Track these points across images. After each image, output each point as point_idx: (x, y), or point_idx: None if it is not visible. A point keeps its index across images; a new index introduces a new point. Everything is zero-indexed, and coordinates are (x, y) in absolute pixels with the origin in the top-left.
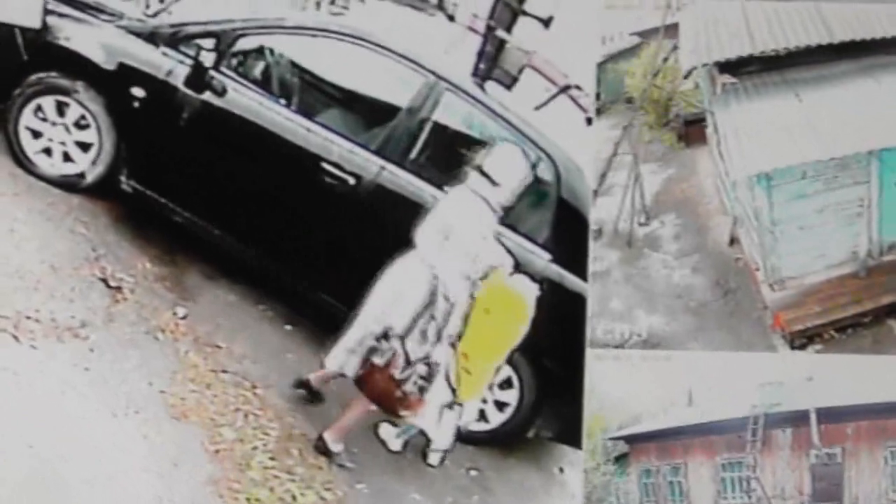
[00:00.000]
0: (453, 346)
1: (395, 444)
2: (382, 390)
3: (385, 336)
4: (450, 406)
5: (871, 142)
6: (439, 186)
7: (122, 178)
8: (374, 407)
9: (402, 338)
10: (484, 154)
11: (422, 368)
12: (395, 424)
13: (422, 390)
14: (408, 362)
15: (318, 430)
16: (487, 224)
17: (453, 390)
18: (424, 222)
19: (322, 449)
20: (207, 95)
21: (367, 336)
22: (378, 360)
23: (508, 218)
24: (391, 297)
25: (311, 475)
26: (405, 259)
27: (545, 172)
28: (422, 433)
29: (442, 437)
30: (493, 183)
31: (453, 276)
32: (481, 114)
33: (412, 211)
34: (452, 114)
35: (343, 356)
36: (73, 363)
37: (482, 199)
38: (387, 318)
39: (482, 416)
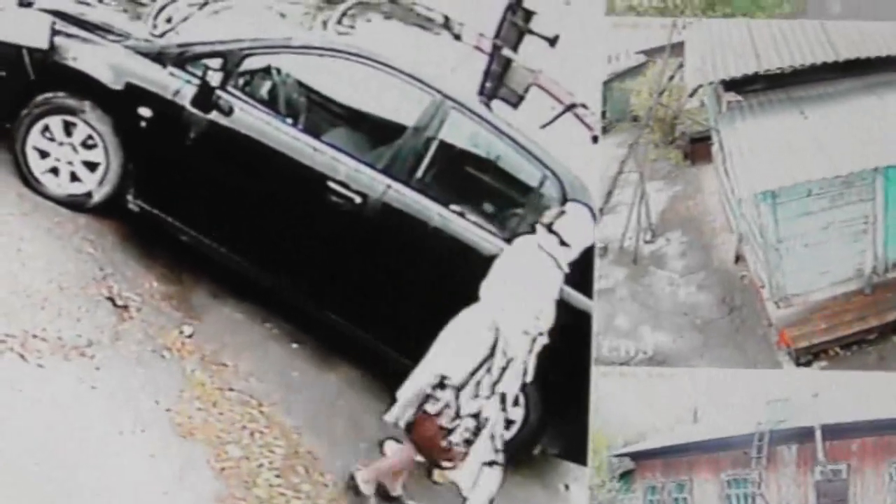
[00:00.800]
0: (504, 402)
1: (397, 489)
2: (429, 438)
3: (441, 385)
4: (490, 464)
5: (877, 159)
6: (445, 205)
7: (129, 198)
8: (418, 457)
9: (458, 389)
10: (555, 213)
11: (470, 422)
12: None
13: (467, 443)
14: (457, 414)
15: (325, 448)
16: (554, 284)
17: (496, 450)
18: (491, 274)
19: (351, 486)
20: (214, 115)
21: (425, 386)
22: (430, 409)
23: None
24: (453, 349)
25: (317, 492)
26: (471, 311)
27: (551, 190)
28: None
29: (477, 497)
30: (563, 243)
31: (515, 332)
32: (487, 133)
33: (418, 230)
34: (458, 133)
35: (400, 410)
36: (80, 381)
37: (551, 257)
38: (446, 368)
39: None
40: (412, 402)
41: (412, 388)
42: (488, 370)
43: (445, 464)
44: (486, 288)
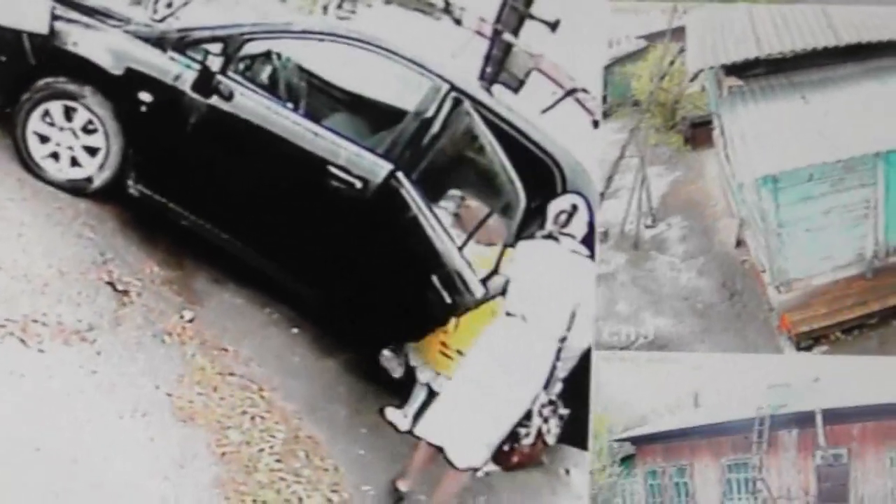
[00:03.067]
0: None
1: (405, 424)
2: (528, 456)
3: (528, 415)
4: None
5: (878, 144)
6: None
7: (130, 183)
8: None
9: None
10: (566, 216)
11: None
12: (399, 406)
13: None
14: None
15: (325, 433)
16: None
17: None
18: (524, 288)
19: (394, 494)
20: (215, 100)
21: (514, 423)
22: (525, 441)
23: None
24: (524, 377)
25: (318, 477)
26: (519, 331)
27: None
28: None
29: None
30: (573, 237)
31: (577, 341)
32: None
33: (419, 214)
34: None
35: (486, 451)
36: (80, 366)
37: (580, 254)
38: (529, 399)
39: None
40: (494, 443)
41: (503, 429)
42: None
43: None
44: (527, 306)
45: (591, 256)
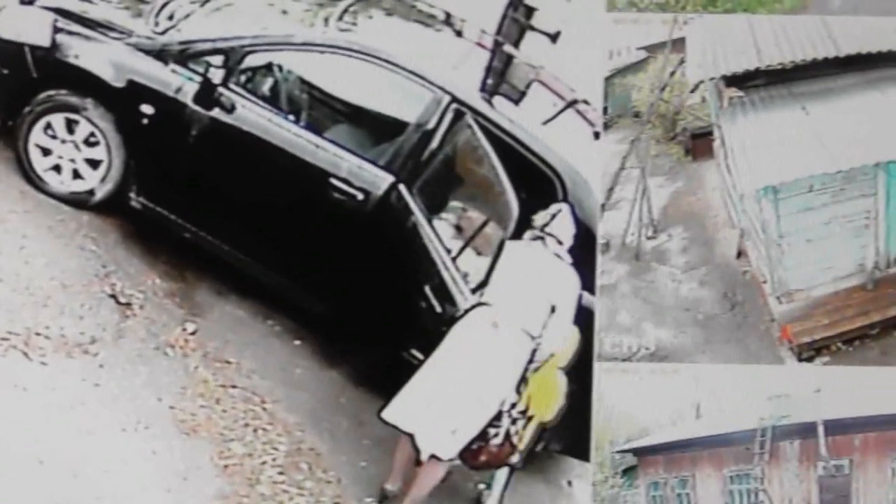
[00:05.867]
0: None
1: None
2: (496, 456)
3: (498, 416)
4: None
5: (878, 154)
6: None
7: (132, 195)
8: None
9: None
10: (549, 216)
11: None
12: None
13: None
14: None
15: (328, 445)
16: (573, 283)
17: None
18: (503, 284)
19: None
20: (216, 112)
21: (487, 420)
22: (495, 441)
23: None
24: (497, 373)
25: (321, 489)
26: (496, 329)
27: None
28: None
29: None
30: (559, 242)
31: (554, 337)
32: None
33: (419, 226)
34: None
35: (455, 445)
36: (83, 379)
37: (559, 257)
38: (501, 396)
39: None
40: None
41: (474, 426)
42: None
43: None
44: (505, 300)
45: (574, 265)
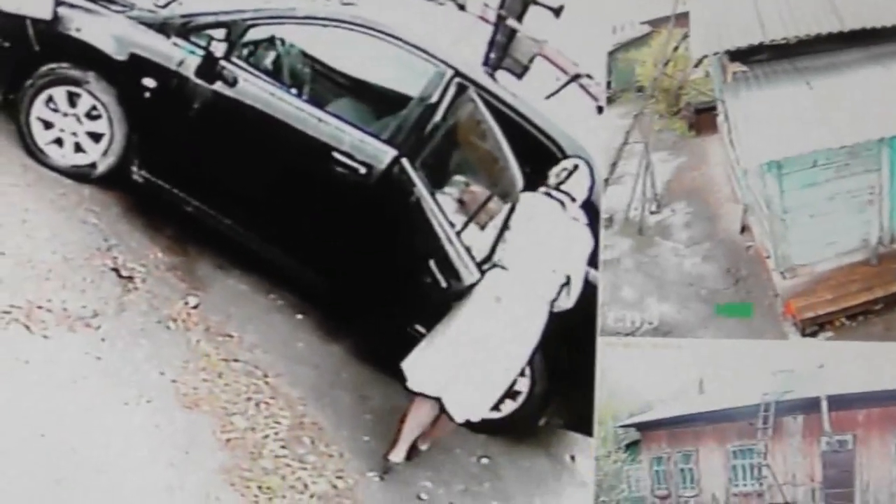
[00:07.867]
0: None
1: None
2: None
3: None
4: None
5: (883, 129)
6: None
7: (134, 169)
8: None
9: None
10: (565, 173)
11: None
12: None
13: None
14: None
15: (330, 419)
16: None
17: None
18: (518, 241)
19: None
20: (218, 85)
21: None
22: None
23: None
24: (517, 334)
25: (323, 463)
26: (516, 289)
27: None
28: None
29: None
30: (573, 199)
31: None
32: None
33: (422, 200)
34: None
35: (485, 406)
36: (85, 353)
37: (575, 219)
38: (523, 358)
39: (494, 404)
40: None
41: (501, 387)
42: None
43: None
44: (520, 257)
45: (590, 225)
